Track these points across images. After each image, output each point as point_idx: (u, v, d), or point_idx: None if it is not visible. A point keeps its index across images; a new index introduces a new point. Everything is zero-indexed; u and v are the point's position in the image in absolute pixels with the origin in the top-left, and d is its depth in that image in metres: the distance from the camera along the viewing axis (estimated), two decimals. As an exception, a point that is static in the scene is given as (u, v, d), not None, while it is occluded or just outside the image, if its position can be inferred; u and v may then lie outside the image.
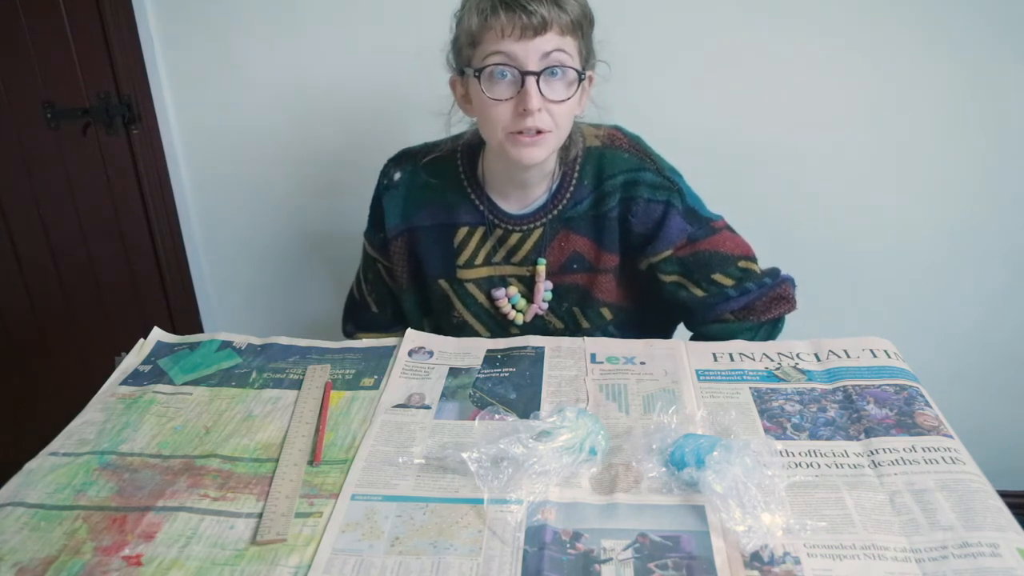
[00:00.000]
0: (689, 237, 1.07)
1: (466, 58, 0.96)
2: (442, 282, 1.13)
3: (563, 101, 0.93)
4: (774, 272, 1.11)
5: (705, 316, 1.11)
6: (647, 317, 1.16)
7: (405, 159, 1.12)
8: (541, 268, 1.09)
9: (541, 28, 0.89)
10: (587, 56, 0.98)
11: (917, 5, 1.34)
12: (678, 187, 1.06)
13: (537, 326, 1.13)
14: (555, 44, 0.91)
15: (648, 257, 1.08)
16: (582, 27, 0.94)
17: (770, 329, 1.12)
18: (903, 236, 1.54)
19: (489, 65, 0.92)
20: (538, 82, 0.91)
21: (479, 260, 1.11)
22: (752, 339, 1.06)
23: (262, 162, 1.62)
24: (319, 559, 0.65)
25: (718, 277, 1.08)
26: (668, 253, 1.07)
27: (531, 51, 0.90)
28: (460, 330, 1.13)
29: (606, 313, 1.12)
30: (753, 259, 1.11)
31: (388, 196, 1.12)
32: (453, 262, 1.11)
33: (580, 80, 0.94)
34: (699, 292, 1.09)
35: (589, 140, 1.07)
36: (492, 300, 1.12)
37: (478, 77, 0.93)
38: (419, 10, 1.40)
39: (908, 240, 1.54)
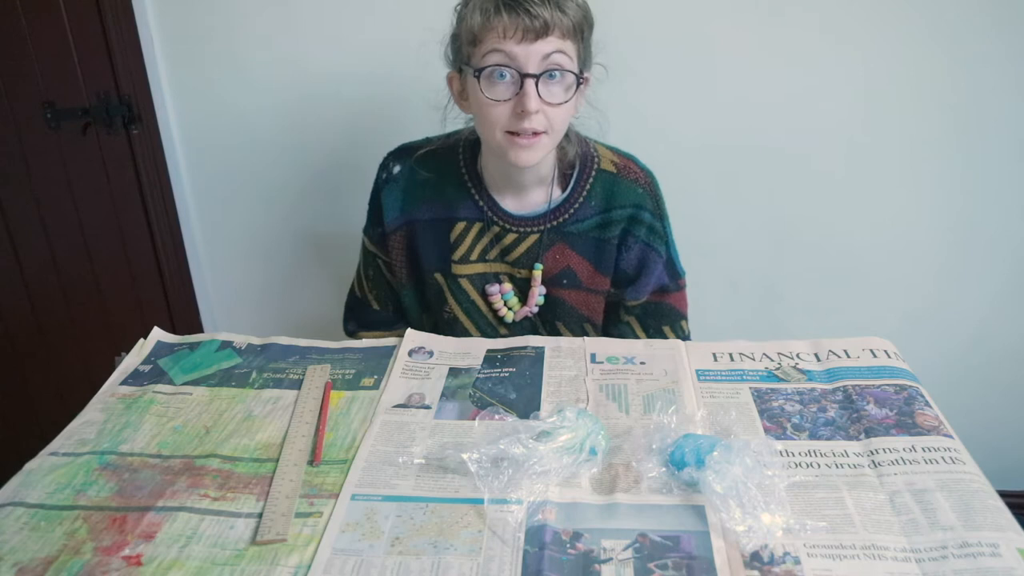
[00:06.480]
0: (661, 288, 1.12)
1: (466, 55, 0.96)
2: (438, 276, 1.13)
3: (560, 104, 0.93)
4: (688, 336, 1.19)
5: None
6: None
7: (404, 153, 1.13)
8: (538, 273, 1.09)
9: (543, 31, 0.89)
10: (585, 59, 0.98)
11: (919, 4, 1.34)
12: (667, 237, 1.10)
13: (525, 328, 1.13)
14: (555, 47, 0.91)
15: (622, 297, 1.12)
16: (582, 31, 0.94)
17: None
18: (904, 236, 1.54)
19: (489, 65, 0.92)
20: (536, 84, 0.91)
21: (474, 256, 1.11)
22: None
23: (262, 162, 1.62)
24: (319, 559, 0.65)
25: (666, 330, 1.14)
26: (644, 299, 1.12)
27: (532, 53, 0.90)
28: (451, 326, 1.14)
29: (590, 331, 1.13)
30: (687, 320, 1.17)
31: (387, 190, 1.12)
32: (448, 256, 1.11)
33: (578, 84, 0.95)
34: (644, 338, 1.13)
35: (604, 163, 1.08)
36: (485, 296, 1.12)
37: (477, 77, 0.93)
38: (421, 8, 1.40)
39: (909, 240, 1.54)
